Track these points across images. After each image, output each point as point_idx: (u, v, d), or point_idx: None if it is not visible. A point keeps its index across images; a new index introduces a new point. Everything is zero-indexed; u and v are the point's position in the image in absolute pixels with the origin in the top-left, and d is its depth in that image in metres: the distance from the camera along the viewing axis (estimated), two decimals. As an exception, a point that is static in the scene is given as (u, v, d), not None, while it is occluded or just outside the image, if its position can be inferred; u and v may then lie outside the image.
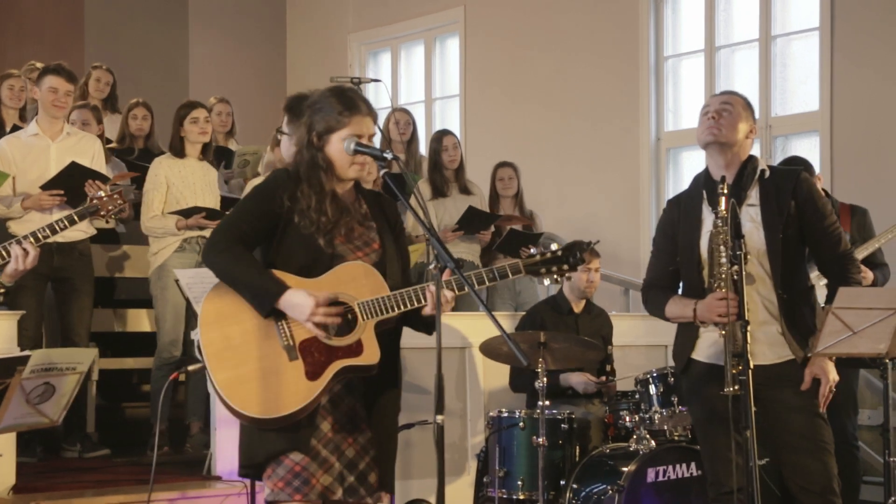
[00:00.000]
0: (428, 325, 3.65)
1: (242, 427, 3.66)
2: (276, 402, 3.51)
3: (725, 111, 4.27)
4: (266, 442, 3.58)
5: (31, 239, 4.44)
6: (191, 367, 4.91)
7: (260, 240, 3.66)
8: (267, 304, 3.53)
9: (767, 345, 4.19)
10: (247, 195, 3.82)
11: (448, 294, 3.52)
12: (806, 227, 4.23)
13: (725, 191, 4.07)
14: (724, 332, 4.04)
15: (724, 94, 4.41)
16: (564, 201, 9.11)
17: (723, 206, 4.06)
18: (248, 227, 3.63)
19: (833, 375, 4.15)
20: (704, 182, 4.34)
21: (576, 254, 3.68)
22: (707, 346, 4.28)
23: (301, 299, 3.51)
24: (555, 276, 3.69)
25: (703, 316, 4.16)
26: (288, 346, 3.55)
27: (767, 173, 4.29)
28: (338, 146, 3.65)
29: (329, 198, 3.65)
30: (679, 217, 4.38)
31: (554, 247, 3.69)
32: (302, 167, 3.67)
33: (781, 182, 4.27)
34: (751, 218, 4.22)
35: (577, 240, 3.76)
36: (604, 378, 6.02)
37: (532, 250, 3.72)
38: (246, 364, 3.54)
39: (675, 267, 4.40)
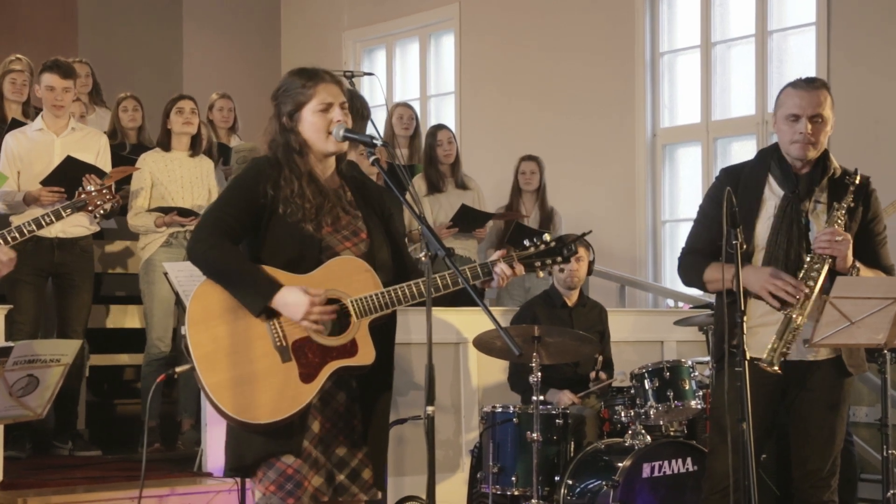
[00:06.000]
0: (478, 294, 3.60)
1: (230, 427, 3.53)
2: (269, 407, 3.38)
3: (817, 121, 4.11)
4: (255, 443, 3.45)
5: (13, 236, 4.42)
6: (179, 369, 4.83)
7: (246, 232, 3.53)
8: (259, 303, 3.39)
9: (799, 341, 4.13)
10: (228, 186, 3.67)
11: (507, 270, 3.54)
12: (859, 232, 4.17)
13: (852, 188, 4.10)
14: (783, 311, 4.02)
15: (814, 94, 4.13)
16: (560, 198, 9.04)
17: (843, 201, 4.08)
18: (233, 220, 3.49)
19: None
20: (778, 163, 4.21)
21: (570, 245, 3.65)
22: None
23: (296, 298, 3.38)
24: (549, 269, 3.66)
25: (750, 282, 4.03)
26: (281, 346, 3.42)
27: (838, 173, 4.20)
28: (310, 121, 3.57)
29: (306, 179, 3.55)
30: (736, 190, 4.12)
31: (547, 237, 3.64)
32: (279, 153, 3.57)
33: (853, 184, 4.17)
34: (815, 213, 4.17)
35: (569, 233, 3.74)
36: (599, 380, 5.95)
37: (525, 242, 3.67)
38: (237, 366, 3.40)
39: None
